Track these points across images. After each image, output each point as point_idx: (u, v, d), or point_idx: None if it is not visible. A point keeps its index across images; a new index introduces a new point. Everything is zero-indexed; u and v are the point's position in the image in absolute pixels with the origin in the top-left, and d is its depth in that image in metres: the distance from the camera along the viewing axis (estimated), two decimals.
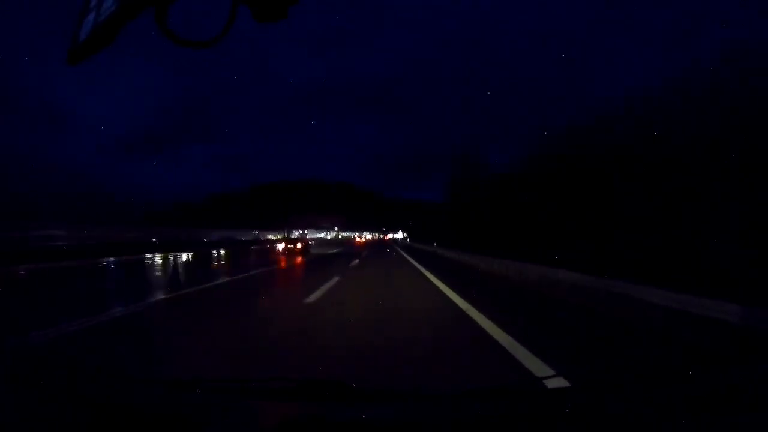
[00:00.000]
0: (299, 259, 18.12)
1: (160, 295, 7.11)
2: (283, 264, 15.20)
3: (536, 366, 3.08)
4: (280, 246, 24.90)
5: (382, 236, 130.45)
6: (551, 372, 2.90)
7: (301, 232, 66.72)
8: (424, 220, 51.05)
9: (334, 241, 72.04)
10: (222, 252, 24.53)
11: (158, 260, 16.47)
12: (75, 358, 3.46)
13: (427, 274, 10.99)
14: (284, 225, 67.21)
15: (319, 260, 17.43)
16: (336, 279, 9.15)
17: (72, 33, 0.81)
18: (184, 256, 19.17)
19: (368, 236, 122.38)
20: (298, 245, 22.97)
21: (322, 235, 72.34)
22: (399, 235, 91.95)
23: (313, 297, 6.51)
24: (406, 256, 21.32)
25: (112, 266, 13.81)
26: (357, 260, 16.72)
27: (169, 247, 22.80)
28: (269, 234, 55.39)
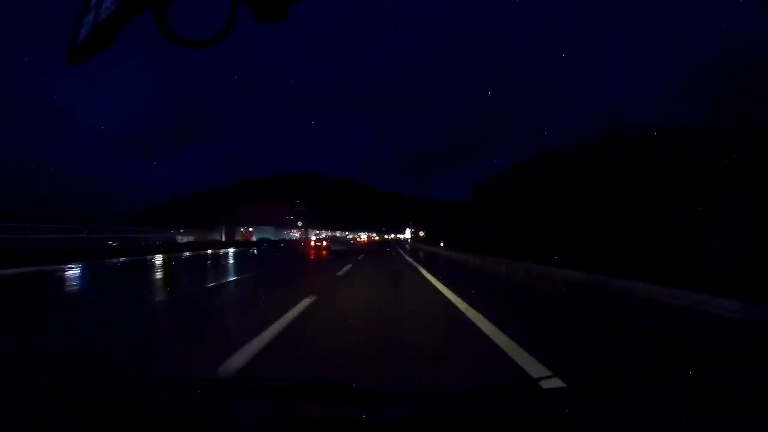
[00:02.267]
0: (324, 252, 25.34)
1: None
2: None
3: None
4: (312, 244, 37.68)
5: (380, 236, 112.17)
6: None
7: (243, 230, 47.67)
8: (434, 220, 42.86)
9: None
10: None
11: None
12: (75, 358, 3.46)
13: None
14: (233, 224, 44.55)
15: None
16: None
17: (72, 33, 0.81)
18: None
19: (363, 236, 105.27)
20: (324, 243, 36.06)
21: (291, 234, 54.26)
22: (407, 235, 70.48)
23: None
24: None
25: None
26: None
27: None
28: (186, 236, 34.56)
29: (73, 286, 9.16)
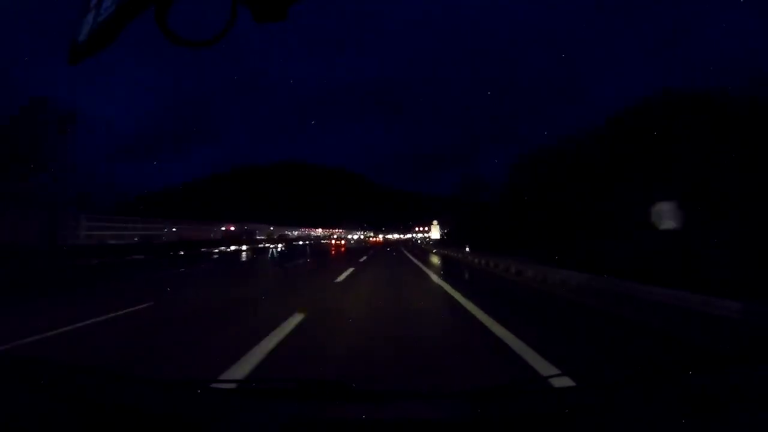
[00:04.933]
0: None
1: None
2: None
3: None
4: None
5: (380, 237, 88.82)
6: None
7: None
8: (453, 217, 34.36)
9: None
10: None
11: None
12: (75, 358, 3.45)
13: None
14: None
15: None
16: None
17: (72, 33, 0.81)
18: None
19: (355, 237, 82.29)
20: (342, 241, 40.19)
21: None
22: (435, 235, 46.22)
23: None
24: None
25: None
26: None
27: None
28: None
29: None
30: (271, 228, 52.42)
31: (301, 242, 52.09)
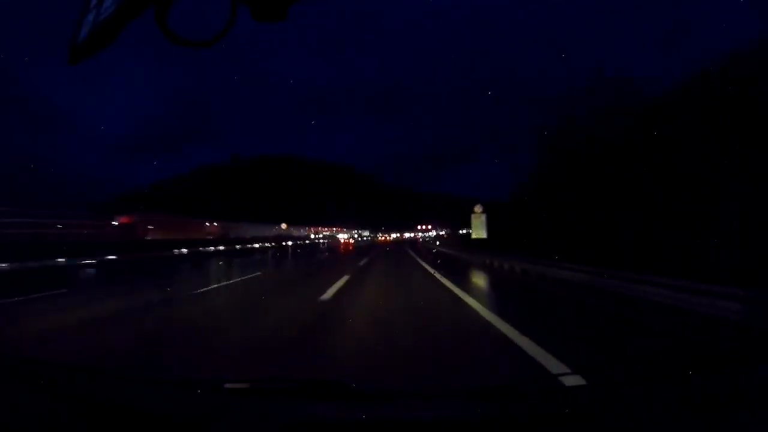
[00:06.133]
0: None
1: None
2: None
3: None
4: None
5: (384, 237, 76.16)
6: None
7: None
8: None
9: None
10: None
11: None
12: (75, 358, 3.45)
13: None
14: None
15: None
16: None
17: (72, 32, 0.81)
18: None
19: (345, 237, 68.95)
20: (351, 240, 47.74)
21: None
22: (480, 231, 17.11)
23: None
24: None
25: None
26: None
27: None
28: None
29: None
30: (215, 224, 36.23)
31: (254, 245, 34.37)
